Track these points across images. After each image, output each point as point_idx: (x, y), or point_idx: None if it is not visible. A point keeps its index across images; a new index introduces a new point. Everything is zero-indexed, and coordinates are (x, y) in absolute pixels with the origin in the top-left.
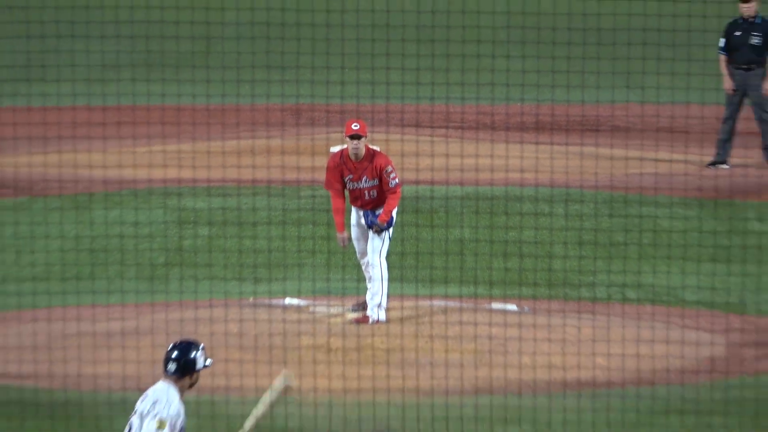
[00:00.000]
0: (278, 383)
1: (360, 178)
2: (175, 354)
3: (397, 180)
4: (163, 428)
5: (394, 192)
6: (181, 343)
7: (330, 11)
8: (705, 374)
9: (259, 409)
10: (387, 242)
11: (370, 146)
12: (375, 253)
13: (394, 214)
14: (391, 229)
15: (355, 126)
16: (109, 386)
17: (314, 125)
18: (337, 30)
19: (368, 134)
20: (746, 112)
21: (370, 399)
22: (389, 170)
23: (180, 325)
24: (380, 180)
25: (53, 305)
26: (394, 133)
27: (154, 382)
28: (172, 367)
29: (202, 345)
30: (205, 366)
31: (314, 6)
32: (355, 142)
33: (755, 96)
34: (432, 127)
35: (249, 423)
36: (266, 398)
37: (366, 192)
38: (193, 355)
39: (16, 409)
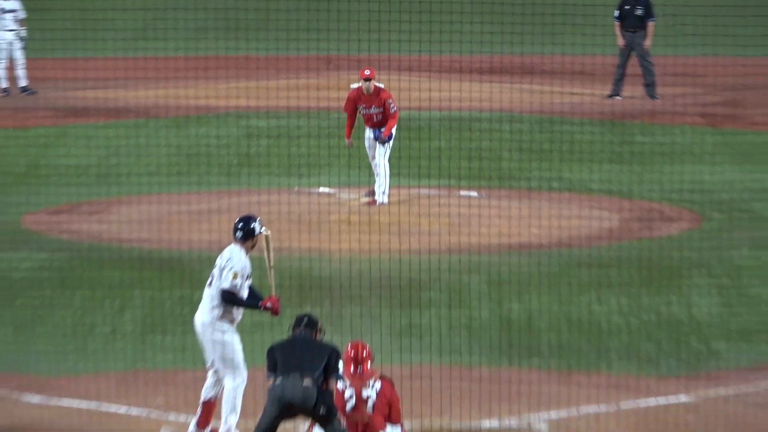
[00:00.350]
0: (266, 240)
1: (370, 107)
2: (240, 225)
3: (395, 107)
4: (236, 278)
5: (393, 116)
6: (244, 216)
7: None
8: (605, 240)
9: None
10: (389, 150)
11: (377, 84)
12: (381, 157)
13: (393, 131)
14: (391, 141)
15: (367, 72)
16: (200, 247)
17: (339, 70)
18: (355, 3)
19: (376, 76)
20: (633, 60)
21: (377, 256)
22: (390, 102)
23: (248, 207)
24: (384, 107)
25: (161, 192)
26: (393, 75)
27: (227, 245)
28: (238, 234)
29: (259, 218)
30: (260, 232)
31: None
32: (367, 83)
33: (639, 50)
34: (419, 70)
35: (269, 272)
36: (266, 251)
37: (374, 116)
38: (252, 225)
39: (137, 262)
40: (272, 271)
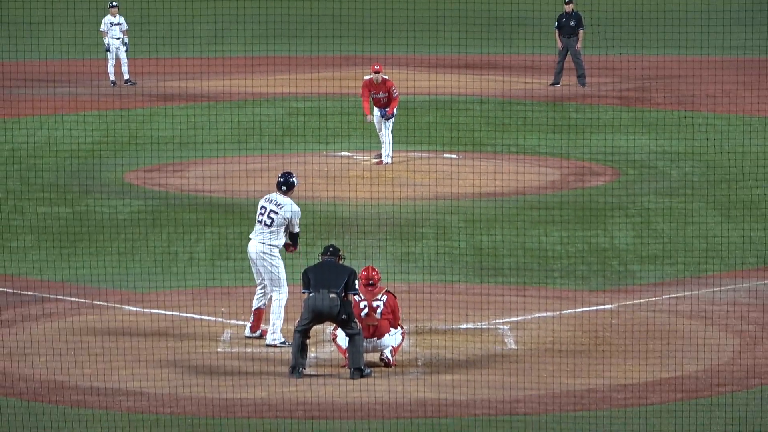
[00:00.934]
0: None
1: (378, 92)
2: (284, 179)
3: (396, 92)
4: (298, 223)
5: (395, 99)
6: (284, 173)
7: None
8: (550, 189)
9: None
10: (391, 124)
11: (384, 76)
12: (386, 129)
13: (395, 110)
14: (393, 118)
15: (377, 67)
16: (254, 196)
17: (356, 65)
18: (367, 17)
19: (383, 70)
20: (568, 58)
21: (383, 202)
22: (393, 88)
23: (288, 165)
24: (388, 93)
25: (226, 156)
26: (395, 69)
27: (269, 193)
28: (283, 187)
29: (294, 173)
30: (297, 184)
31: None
32: (376, 74)
33: (572, 50)
34: (414, 66)
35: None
36: None
37: (381, 99)
38: (292, 179)
39: (208, 207)
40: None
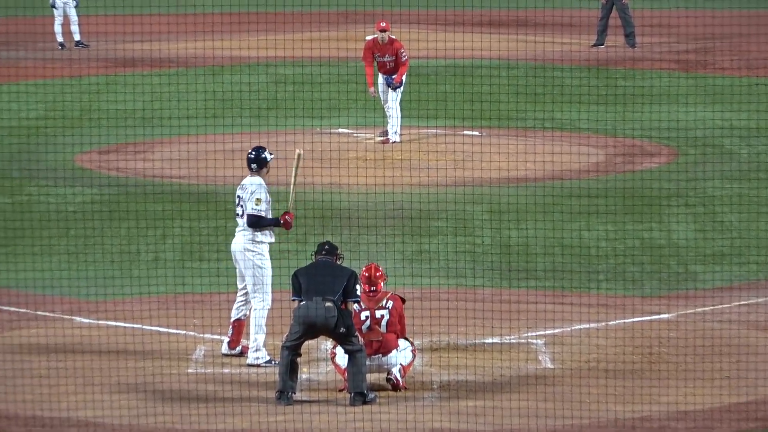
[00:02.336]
0: (297, 157)
1: (384, 55)
2: (252, 156)
3: (406, 56)
4: (260, 204)
5: (404, 64)
6: (254, 148)
7: None
8: (593, 173)
9: (294, 176)
10: (400, 94)
11: (390, 35)
12: (392, 101)
13: (403, 78)
14: (401, 87)
15: (383, 24)
16: (233, 183)
17: (356, 23)
18: None
19: (390, 28)
20: (614, 13)
21: (390, 189)
22: (402, 51)
23: (275, 146)
24: (396, 56)
25: (199, 134)
26: (404, 28)
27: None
28: (253, 165)
29: (266, 148)
30: (271, 159)
31: None
32: (382, 33)
33: (618, 4)
34: (427, 23)
35: (291, 188)
36: (294, 168)
37: (387, 63)
38: (263, 155)
39: (177, 196)
40: (293, 188)
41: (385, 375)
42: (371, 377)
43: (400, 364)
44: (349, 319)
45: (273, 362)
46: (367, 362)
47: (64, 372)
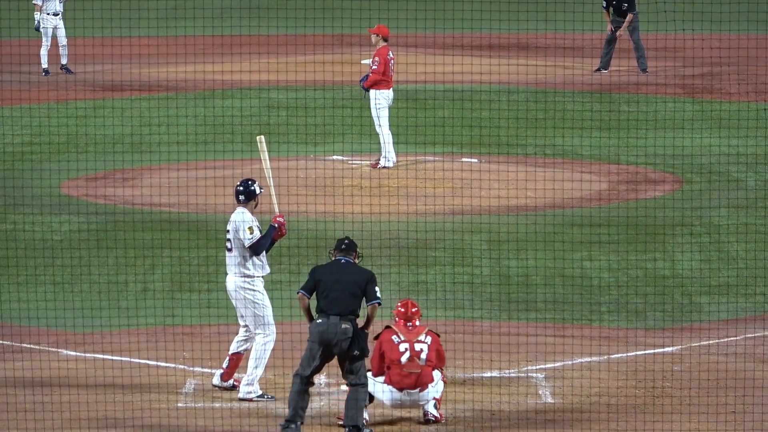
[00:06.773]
0: (261, 145)
1: (371, 59)
2: (241, 188)
3: (375, 66)
4: (253, 232)
5: (373, 72)
6: (242, 181)
7: None
8: (595, 201)
9: (267, 164)
10: (382, 117)
11: (384, 42)
12: (376, 126)
13: (375, 92)
14: (379, 108)
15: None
16: (224, 211)
17: (352, 45)
18: None
19: (381, 33)
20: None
21: (386, 218)
22: (376, 59)
23: (268, 172)
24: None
25: (189, 160)
26: (401, 51)
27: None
28: (241, 198)
29: (255, 180)
30: (260, 192)
31: None
32: (374, 37)
33: (629, 28)
34: (424, 47)
35: (267, 173)
36: (265, 156)
37: (370, 66)
38: (252, 187)
39: (166, 225)
40: (269, 174)
41: (422, 414)
42: (402, 412)
43: (434, 398)
44: (365, 342)
45: (266, 396)
46: (403, 397)
47: (50, 406)
